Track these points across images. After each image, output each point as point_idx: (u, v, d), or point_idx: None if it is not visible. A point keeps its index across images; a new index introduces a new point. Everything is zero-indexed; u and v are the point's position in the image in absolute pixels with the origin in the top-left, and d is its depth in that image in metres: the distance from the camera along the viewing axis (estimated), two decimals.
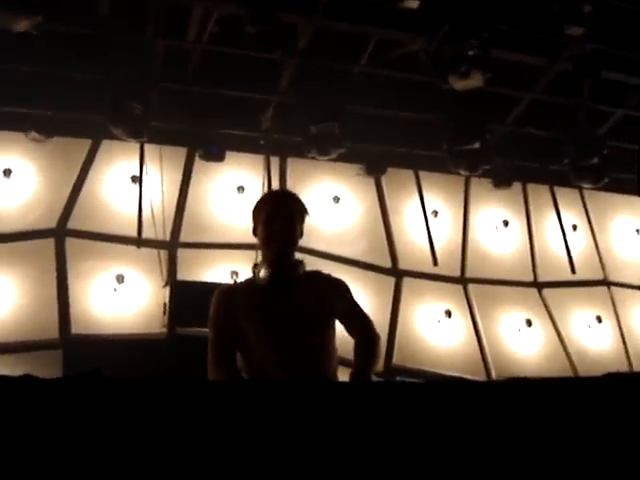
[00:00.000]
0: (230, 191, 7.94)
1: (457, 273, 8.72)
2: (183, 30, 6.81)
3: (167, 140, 7.56)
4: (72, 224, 7.30)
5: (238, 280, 6.72)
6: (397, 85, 7.57)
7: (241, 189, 7.93)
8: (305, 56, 7.03)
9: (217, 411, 1.63)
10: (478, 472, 1.70)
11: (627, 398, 1.92)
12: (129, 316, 7.14)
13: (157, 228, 7.28)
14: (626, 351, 9.04)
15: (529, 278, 9.09)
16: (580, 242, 9.48)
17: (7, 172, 7.19)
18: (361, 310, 3.26)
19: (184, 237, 7.65)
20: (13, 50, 6.19)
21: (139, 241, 7.28)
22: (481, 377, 7.94)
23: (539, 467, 1.73)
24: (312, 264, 3.41)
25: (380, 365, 3.18)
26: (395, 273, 8.42)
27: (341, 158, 7.75)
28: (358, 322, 3.23)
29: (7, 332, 6.64)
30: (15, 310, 6.80)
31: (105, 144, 7.51)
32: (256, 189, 7.68)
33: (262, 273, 3.11)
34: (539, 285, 9.08)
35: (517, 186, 9.16)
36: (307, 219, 3.31)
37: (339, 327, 3.23)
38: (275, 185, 7.78)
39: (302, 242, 3.32)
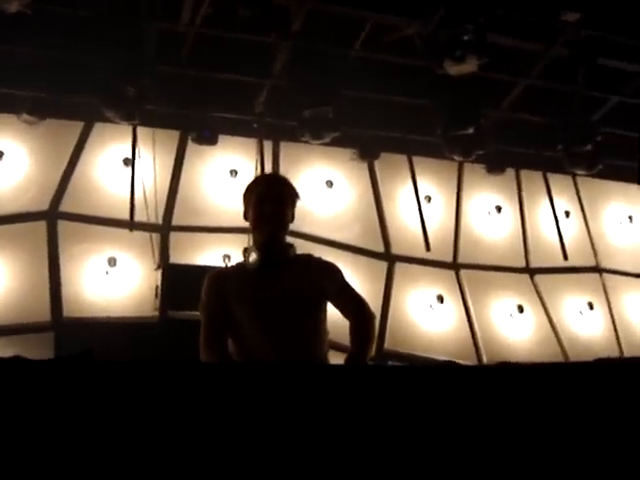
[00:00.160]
0: (223, 175, 7.92)
1: (449, 258, 8.73)
2: (176, 13, 6.77)
3: (160, 123, 7.52)
4: (64, 207, 7.28)
5: (230, 264, 6.71)
6: (391, 70, 7.54)
7: (234, 173, 7.91)
8: (299, 39, 6.99)
9: (209, 393, 1.63)
10: (471, 456, 1.71)
11: (617, 383, 1.92)
12: (121, 299, 7.14)
13: (149, 211, 7.27)
14: (617, 337, 9.08)
15: (521, 264, 9.10)
16: (572, 228, 9.49)
17: None
18: (353, 290, 3.26)
19: (176, 220, 7.63)
20: (6, 32, 6.14)
21: (131, 224, 7.26)
22: (472, 362, 7.96)
23: (530, 451, 1.73)
24: (305, 248, 3.41)
25: (373, 350, 3.17)
26: (388, 258, 8.42)
27: (334, 142, 7.73)
28: (352, 302, 3.22)
29: None
30: (6, 293, 6.78)
31: (98, 127, 7.47)
32: (249, 173, 7.66)
33: (252, 257, 3.12)
34: (531, 271, 9.10)
35: (510, 172, 9.16)
36: (299, 203, 3.31)
37: (331, 310, 3.22)
38: (268, 169, 7.77)
39: (295, 226, 3.31)
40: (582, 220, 9.63)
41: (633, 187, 9.57)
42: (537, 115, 8.46)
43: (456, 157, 8.20)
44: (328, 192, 8.33)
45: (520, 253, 9.14)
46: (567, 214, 9.53)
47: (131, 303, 7.12)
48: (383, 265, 8.36)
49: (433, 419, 1.73)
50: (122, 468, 1.51)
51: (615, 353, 8.67)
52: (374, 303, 7.70)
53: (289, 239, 3.26)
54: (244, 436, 1.60)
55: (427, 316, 8.24)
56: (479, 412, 1.76)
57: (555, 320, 8.82)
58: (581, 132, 8.19)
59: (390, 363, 7.54)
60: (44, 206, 7.21)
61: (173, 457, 1.55)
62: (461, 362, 7.53)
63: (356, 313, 3.18)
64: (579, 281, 9.27)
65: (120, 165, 7.55)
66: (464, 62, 6.44)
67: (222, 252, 7.44)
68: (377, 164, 8.57)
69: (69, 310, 6.95)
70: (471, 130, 7.78)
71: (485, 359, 8.21)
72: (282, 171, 7.59)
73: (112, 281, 7.16)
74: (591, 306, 9.11)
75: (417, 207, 8.55)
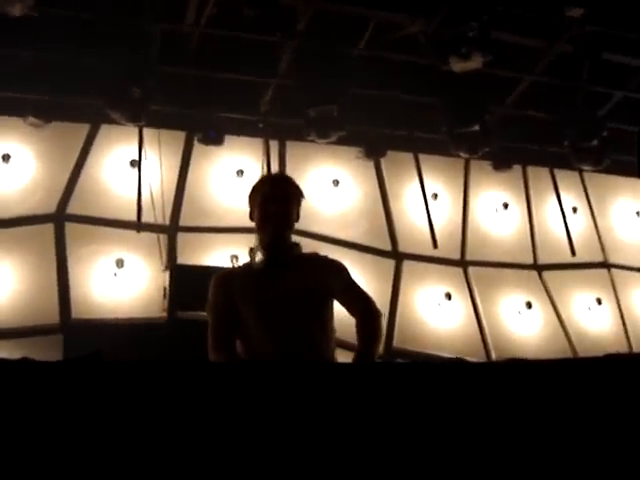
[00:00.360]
0: (229, 175, 7.92)
1: (457, 256, 8.72)
2: (181, 13, 6.77)
3: (166, 124, 7.54)
4: (71, 209, 7.29)
5: (238, 264, 6.72)
6: (396, 68, 7.54)
7: (240, 173, 7.92)
8: (304, 39, 6.99)
9: (217, 392, 1.63)
10: (481, 452, 1.71)
11: (626, 379, 1.92)
12: (129, 300, 7.15)
13: (156, 212, 7.28)
14: (626, 333, 9.05)
15: (529, 261, 9.08)
16: (580, 224, 9.47)
17: (6, 157, 7.17)
18: (359, 288, 3.25)
19: (184, 221, 7.64)
20: (11, 35, 6.16)
21: (139, 225, 7.27)
22: (481, 359, 7.94)
23: (538, 447, 1.73)
24: (312, 247, 3.41)
25: (380, 347, 3.17)
26: (395, 256, 8.41)
27: (340, 141, 7.74)
28: (358, 300, 3.21)
29: (7, 318, 6.65)
30: (15, 296, 6.80)
31: (104, 128, 7.49)
32: (255, 173, 7.65)
33: (258, 257, 3.12)
34: (539, 268, 9.08)
35: (517, 168, 9.14)
36: (306, 202, 3.31)
37: (337, 308, 3.22)
38: (274, 169, 7.77)
39: (302, 225, 3.31)
40: (590, 216, 9.60)
41: None
42: (542, 111, 8.44)
43: (462, 154, 8.20)
44: (335, 191, 8.33)
45: (528, 249, 9.12)
46: (574, 210, 9.50)
47: (139, 304, 7.13)
48: (390, 263, 8.35)
49: (442, 416, 1.73)
50: (131, 466, 1.51)
51: (624, 348, 8.64)
52: (382, 301, 7.74)
53: (295, 238, 3.26)
54: (251, 434, 1.60)
55: (435, 314, 8.23)
56: (488, 409, 1.76)
57: (563, 316, 8.80)
58: (587, 128, 8.18)
59: (399, 361, 7.52)
60: (51, 209, 7.23)
61: (182, 455, 1.55)
62: (469, 359, 7.54)
63: (362, 311, 3.18)
64: (587, 277, 9.25)
65: (127, 166, 7.56)
66: (468, 60, 6.43)
67: (230, 252, 7.43)
68: (383, 162, 8.56)
69: (77, 312, 6.96)
70: (477, 127, 7.76)
71: (494, 356, 8.20)
72: (288, 170, 7.60)
73: (120, 282, 7.17)
74: (599, 302, 9.08)
75: (424, 205, 8.54)
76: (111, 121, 7.07)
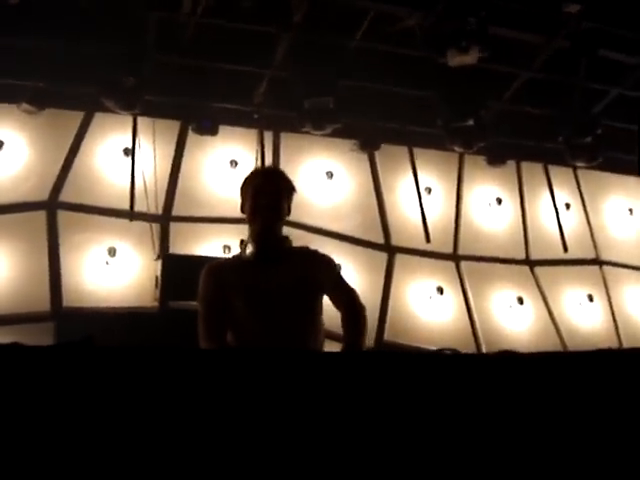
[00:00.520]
0: (223, 165, 7.91)
1: (450, 250, 8.73)
2: (178, 2, 6.74)
3: (160, 113, 7.52)
4: (64, 197, 7.27)
5: (230, 254, 6.72)
6: (393, 61, 7.52)
7: (234, 163, 7.91)
8: (300, 30, 6.97)
9: (207, 379, 1.63)
10: (469, 442, 1.71)
11: (616, 372, 1.92)
12: (121, 289, 7.14)
13: (149, 201, 7.26)
14: (616, 330, 9.09)
15: (521, 256, 9.10)
16: (573, 221, 9.50)
17: None
18: (346, 283, 3.31)
19: (176, 211, 7.63)
20: (6, 23, 6.12)
21: (131, 214, 7.26)
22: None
23: (530, 439, 1.74)
24: (305, 239, 3.42)
25: (370, 340, 3.19)
26: (388, 249, 8.42)
27: (335, 133, 7.74)
28: (343, 295, 3.27)
29: None
30: (6, 283, 6.78)
31: (98, 116, 7.46)
32: (249, 163, 7.65)
33: (248, 249, 3.13)
34: (531, 263, 9.10)
35: (511, 164, 9.16)
36: (299, 194, 3.32)
37: (326, 302, 3.24)
38: (268, 160, 7.76)
39: (295, 217, 3.32)
40: (582, 212, 9.63)
41: (633, 180, 9.60)
42: (538, 107, 8.45)
43: (457, 149, 8.21)
44: (328, 183, 8.33)
45: (520, 245, 9.14)
46: (567, 206, 9.53)
47: (131, 293, 7.12)
48: (383, 256, 8.36)
49: (432, 406, 1.73)
50: (123, 453, 1.51)
51: (614, 345, 8.67)
52: (374, 294, 7.77)
53: (289, 230, 3.27)
54: (242, 422, 1.60)
55: (427, 307, 8.24)
56: (479, 399, 1.76)
57: (555, 312, 8.83)
58: (582, 124, 8.20)
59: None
60: (44, 196, 7.20)
61: (172, 440, 1.55)
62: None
63: (347, 304, 3.24)
64: (579, 273, 9.28)
65: (120, 155, 7.54)
66: (465, 54, 6.43)
67: (222, 243, 7.44)
68: (377, 155, 8.56)
69: (69, 300, 6.95)
70: (472, 122, 7.77)
71: (484, 350, 8.22)
72: (282, 162, 7.59)
73: (112, 271, 7.16)
74: (591, 298, 9.12)
75: (417, 198, 8.55)
76: (105, 109, 7.05)
